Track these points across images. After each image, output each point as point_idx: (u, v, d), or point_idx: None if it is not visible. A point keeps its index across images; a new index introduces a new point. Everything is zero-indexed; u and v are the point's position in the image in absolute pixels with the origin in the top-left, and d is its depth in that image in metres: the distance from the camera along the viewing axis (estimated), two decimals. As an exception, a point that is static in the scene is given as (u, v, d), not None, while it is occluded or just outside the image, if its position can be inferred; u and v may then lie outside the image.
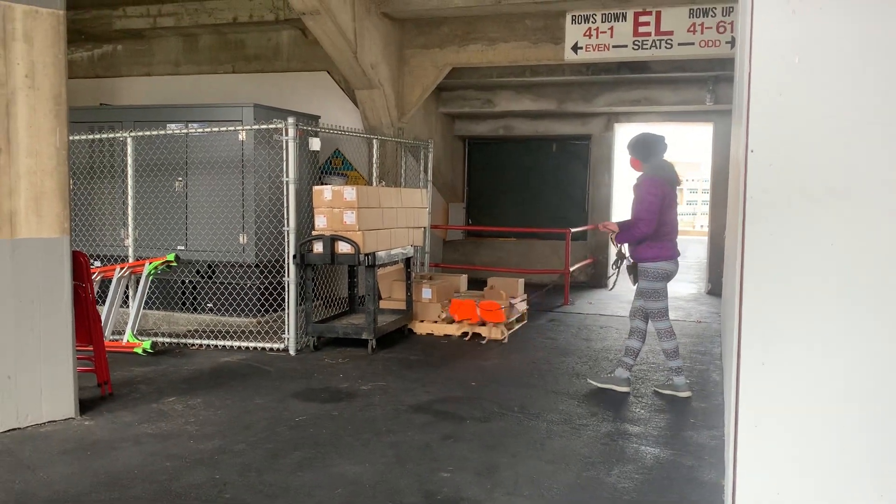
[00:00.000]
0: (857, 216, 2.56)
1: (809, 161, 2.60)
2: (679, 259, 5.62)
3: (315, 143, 7.64)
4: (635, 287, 5.68)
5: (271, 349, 6.98)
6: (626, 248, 5.66)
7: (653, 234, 5.39)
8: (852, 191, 2.57)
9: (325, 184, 7.76)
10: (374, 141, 8.82)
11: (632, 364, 5.71)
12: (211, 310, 8.01)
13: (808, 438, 2.64)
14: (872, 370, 2.58)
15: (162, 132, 7.56)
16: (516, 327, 8.24)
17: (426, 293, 8.02)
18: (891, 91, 2.53)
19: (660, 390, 5.70)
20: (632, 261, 5.60)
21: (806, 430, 2.64)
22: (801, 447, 2.65)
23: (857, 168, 2.56)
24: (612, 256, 5.85)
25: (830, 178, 2.59)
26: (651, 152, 5.57)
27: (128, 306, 7.33)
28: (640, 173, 5.61)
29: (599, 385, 5.74)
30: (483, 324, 7.64)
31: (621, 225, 5.78)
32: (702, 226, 24.53)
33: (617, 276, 6.08)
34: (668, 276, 5.53)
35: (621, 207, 13.18)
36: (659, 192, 5.39)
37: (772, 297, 2.65)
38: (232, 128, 7.36)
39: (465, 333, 7.69)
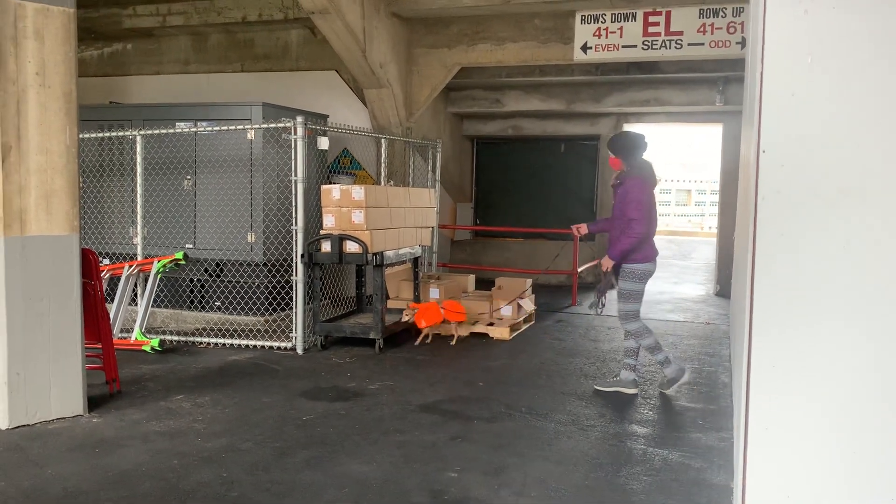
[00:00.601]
0: (870, 217, 2.54)
1: (822, 161, 2.59)
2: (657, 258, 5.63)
3: (323, 143, 7.64)
4: (617, 288, 5.60)
5: (279, 348, 6.99)
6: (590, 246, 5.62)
7: (646, 232, 5.36)
8: (865, 191, 2.55)
9: (334, 183, 7.77)
10: (383, 140, 8.82)
11: (634, 364, 5.67)
12: (219, 308, 8.03)
13: (820, 441, 2.62)
14: (885, 372, 2.56)
15: (171, 131, 7.58)
16: (524, 328, 8.22)
17: (434, 293, 8.01)
18: (905, 91, 2.51)
19: (664, 390, 5.67)
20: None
21: (817, 432, 2.62)
22: (812, 450, 2.63)
23: (870, 168, 2.54)
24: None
25: (843, 179, 2.57)
26: (634, 152, 5.53)
27: (136, 304, 7.35)
28: (621, 172, 5.56)
29: (606, 389, 5.69)
30: (478, 323, 7.61)
31: (592, 227, 5.83)
32: (710, 227, 24.44)
33: (600, 299, 5.80)
34: (649, 276, 5.54)
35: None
36: (646, 192, 5.39)
37: (783, 298, 2.63)
38: (241, 126, 7.36)
39: (475, 333, 7.68)
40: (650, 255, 5.48)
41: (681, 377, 5.58)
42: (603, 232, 5.86)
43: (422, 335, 7.31)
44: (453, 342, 7.32)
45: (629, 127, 12.32)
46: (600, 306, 5.79)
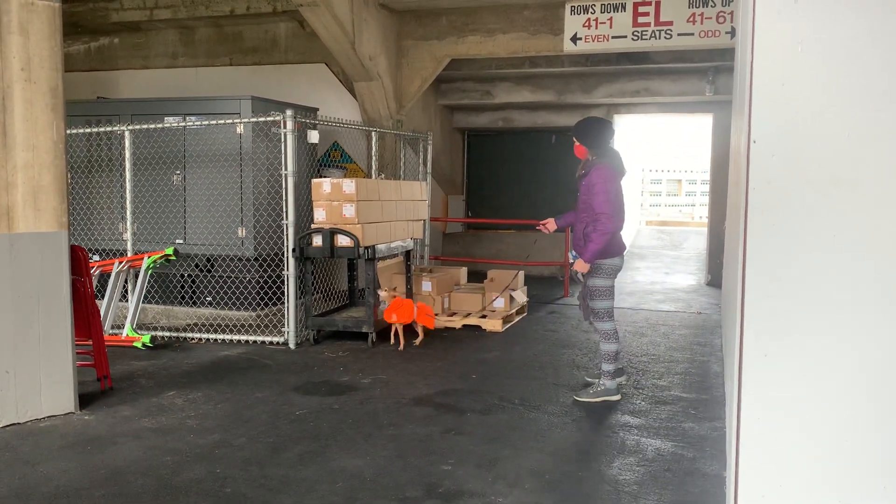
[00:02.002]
0: (862, 207, 2.54)
1: (813, 151, 2.58)
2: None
3: (313, 136, 7.62)
4: (584, 284, 5.28)
5: (271, 343, 6.97)
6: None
7: (616, 224, 5.05)
8: (856, 181, 2.55)
9: (324, 177, 7.74)
10: (373, 133, 8.79)
11: (612, 369, 5.30)
12: (210, 303, 8.00)
13: (812, 429, 2.63)
14: (877, 360, 2.57)
15: (160, 125, 7.53)
16: (516, 319, 8.23)
17: (426, 286, 8.01)
18: (894, 80, 2.51)
19: (580, 398, 5.23)
20: (576, 257, 5.22)
21: (810, 421, 2.63)
22: (805, 438, 2.64)
23: (862, 158, 2.54)
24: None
25: (834, 169, 2.57)
26: (600, 138, 5.21)
27: (127, 300, 7.31)
28: (586, 161, 5.24)
29: (591, 401, 5.24)
30: (487, 318, 7.60)
31: (559, 222, 5.54)
32: (701, 217, 24.54)
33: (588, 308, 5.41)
34: (617, 271, 5.25)
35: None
36: (613, 181, 5.08)
37: (775, 287, 2.64)
38: (230, 121, 7.33)
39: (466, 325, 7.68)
40: (619, 250, 5.20)
41: (613, 396, 5.22)
42: (569, 225, 5.52)
43: (392, 332, 6.87)
44: (417, 342, 6.92)
45: (620, 118, 12.32)
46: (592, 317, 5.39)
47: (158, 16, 10.13)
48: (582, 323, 8.18)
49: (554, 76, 11.33)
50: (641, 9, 8.53)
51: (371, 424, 4.69)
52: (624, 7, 8.56)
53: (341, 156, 10.16)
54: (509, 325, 7.94)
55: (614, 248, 5.16)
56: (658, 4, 8.46)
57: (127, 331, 6.92)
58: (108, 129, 7.66)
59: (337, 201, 6.76)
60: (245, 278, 7.87)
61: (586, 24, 8.72)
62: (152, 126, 7.49)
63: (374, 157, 8.79)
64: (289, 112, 6.86)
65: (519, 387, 5.58)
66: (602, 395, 5.24)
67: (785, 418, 2.65)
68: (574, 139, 5.34)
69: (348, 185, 6.74)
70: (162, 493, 3.65)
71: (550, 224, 5.60)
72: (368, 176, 9.14)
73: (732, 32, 8.15)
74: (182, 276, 8.12)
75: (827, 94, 2.56)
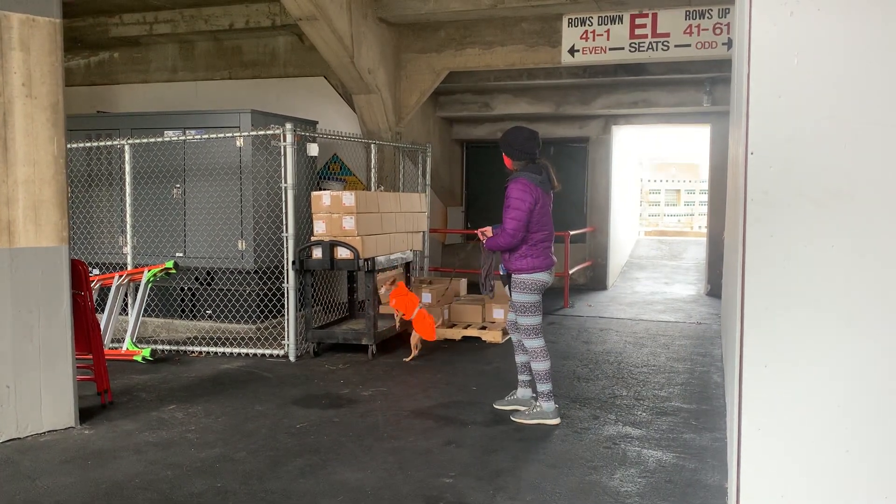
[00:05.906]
0: (858, 217, 2.56)
1: (810, 163, 2.60)
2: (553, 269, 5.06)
3: (313, 149, 7.64)
4: (511, 298, 5.07)
5: (271, 355, 6.97)
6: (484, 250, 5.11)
7: (518, 243, 4.85)
8: (853, 192, 2.56)
9: (324, 189, 7.76)
10: (373, 146, 8.82)
11: (530, 379, 5.26)
12: (210, 317, 7.99)
13: (813, 441, 2.63)
14: (876, 371, 2.57)
15: (159, 139, 7.55)
16: (516, 331, 8.22)
17: (426, 297, 8.00)
18: (890, 91, 2.53)
19: (524, 421, 5.01)
20: (505, 271, 5.04)
21: (810, 432, 2.63)
22: (806, 449, 2.64)
23: (858, 169, 2.56)
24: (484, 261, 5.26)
25: (831, 180, 2.58)
26: (521, 150, 4.97)
27: (127, 314, 7.31)
28: (512, 172, 5.03)
29: (503, 408, 5.28)
30: (484, 328, 7.60)
31: (496, 230, 5.18)
32: (700, 227, 24.57)
33: (487, 278, 5.31)
34: (544, 288, 4.99)
35: (619, 210, 13.17)
36: (529, 197, 4.82)
37: (774, 299, 2.65)
38: (229, 134, 7.35)
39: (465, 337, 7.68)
40: (541, 265, 4.90)
41: (552, 419, 4.98)
42: None
43: (412, 353, 6.79)
44: (408, 359, 6.76)
45: (618, 129, 12.36)
46: (487, 289, 5.32)
47: (158, 30, 10.19)
48: (582, 333, 8.18)
49: (552, 88, 11.37)
50: (638, 21, 8.58)
51: (371, 437, 4.68)
52: (621, 19, 8.61)
53: (341, 168, 10.19)
54: (509, 336, 7.93)
55: (535, 263, 4.91)
56: (655, 16, 8.51)
57: (127, 344, 6.92)
58: (108, 143, 7.68)
59: (337, 213, 6.77)
60: (245, 291, 7.87)
61: (584, 36, 8.77)
62: (152, 140, 7.51)
63: (373, 170, 8.82)
64: (288, 125, 6.89)
65: (519, 398, 5.57)
66: (537, 416, 5.01)
67: (786, 429, 2.66)
68: (501, 150, 5.09)
69: (348, 197, 6.76)
70: (162, 507, 3.64)
71: (488, 231, 5.20)
72: (368, 188, 9.16)
73: (729, 44, 8.20)
74: (182, 289, 8.12)
75: (823, 106, 2.58)
